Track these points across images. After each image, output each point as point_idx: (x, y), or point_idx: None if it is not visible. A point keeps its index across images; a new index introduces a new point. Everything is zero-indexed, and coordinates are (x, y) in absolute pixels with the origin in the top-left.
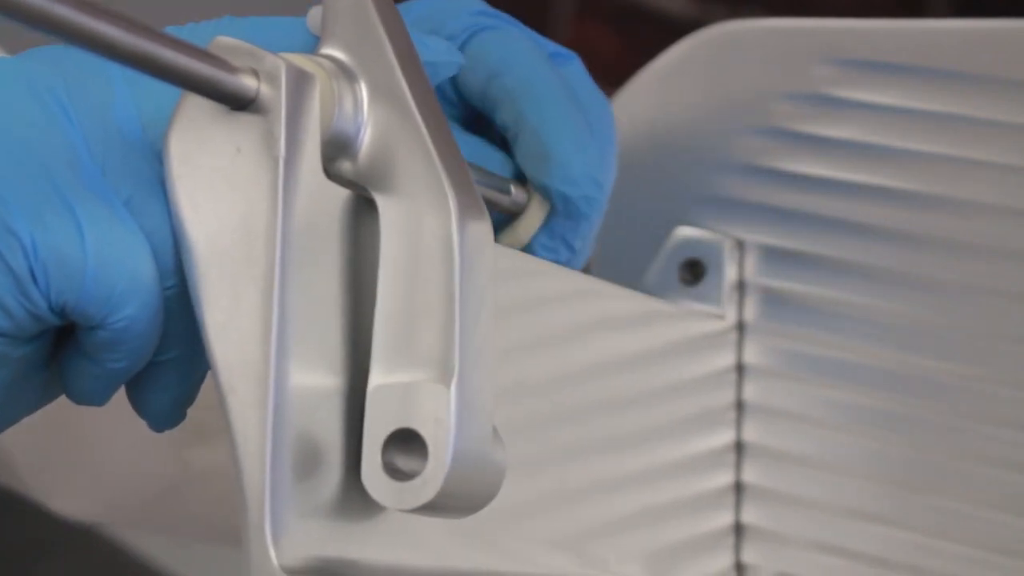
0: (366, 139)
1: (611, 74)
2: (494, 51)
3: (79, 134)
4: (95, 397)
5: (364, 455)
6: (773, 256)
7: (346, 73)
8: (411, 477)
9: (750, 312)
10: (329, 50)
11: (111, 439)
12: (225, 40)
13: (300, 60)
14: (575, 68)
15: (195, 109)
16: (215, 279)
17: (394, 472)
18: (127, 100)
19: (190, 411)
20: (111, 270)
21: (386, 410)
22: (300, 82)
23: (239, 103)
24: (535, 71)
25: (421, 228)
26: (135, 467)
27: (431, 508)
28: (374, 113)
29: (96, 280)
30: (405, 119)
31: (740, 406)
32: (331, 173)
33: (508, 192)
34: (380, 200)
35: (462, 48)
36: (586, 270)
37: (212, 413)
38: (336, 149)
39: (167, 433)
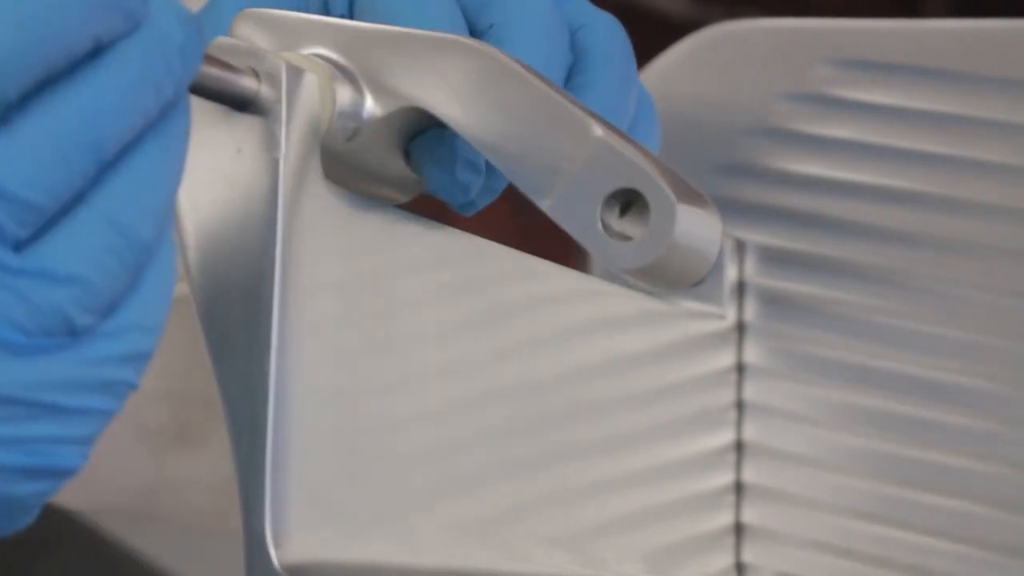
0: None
1: None
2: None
3: None
4: None
5: (581, 218)
6: (773, 256)
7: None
8: (631, 239)
9: (750, 312)
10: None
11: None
12: (225, 40)
13: (300, 60)
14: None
15: (195, 110)
16: (215, 279)
17: (613, 234)
18: None
19: (172, 411)
20: None
21: (606, 171)
22: (300, 82)
23: (239, 104)
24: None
25: None
26: (112, 470)
27: (651, 272)
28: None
29: None
30: None
31: (740, 406)
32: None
33: None
34: None
35: None
36: (586, 270)
37: (197, 413)
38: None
39: (149, 438)
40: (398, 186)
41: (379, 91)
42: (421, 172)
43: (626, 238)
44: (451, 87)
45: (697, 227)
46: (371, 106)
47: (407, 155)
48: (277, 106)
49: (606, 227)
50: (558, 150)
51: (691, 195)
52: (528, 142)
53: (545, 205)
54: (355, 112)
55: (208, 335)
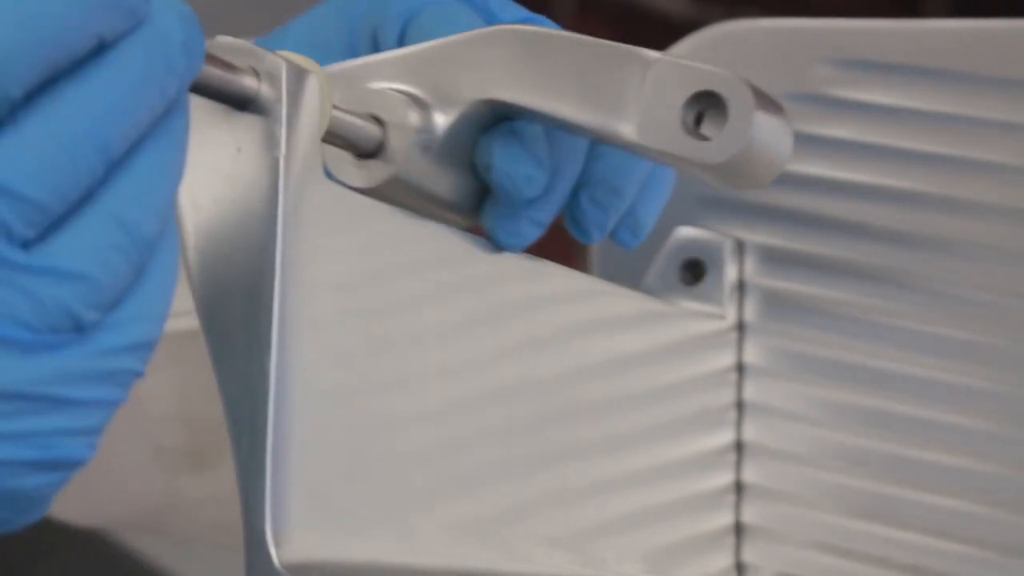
0: None
1: None
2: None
3: None
4: None
5: (665, 132)
6: (773, 256)
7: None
8: (709, 139)
9: (750, 312)
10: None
11: (109, 453)
12: (225, 40)
13: (300, 59)
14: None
15: (195, 109)
16: (215, 278)
17: (696, 137)
18: None
19: (188, 435)
20: None
21: (682, 77)
22: (300, 81)
23: (239, 103)
24: None
25: None
26: (127, 488)
27: (731, 167)
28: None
29: None
30: None
31: (740, 406)
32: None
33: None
34: None
35: (403, 29)
36: (586, 270)
37: (212, 437)
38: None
39: (165, 459)
40: (465, 208)
41: (444, 99)
42: (488, 163)
43: (706, 139)
44: (504, 70)
45: (771, 121)
46: (440, 117)
47: (474, 166)
48: (277, 106)
49: (688, 133)
50: (622, 84)
51: (763, 93)
52: (591, 89)
53: (629, 135)
54: (428, 126)
55: (208, 334)
